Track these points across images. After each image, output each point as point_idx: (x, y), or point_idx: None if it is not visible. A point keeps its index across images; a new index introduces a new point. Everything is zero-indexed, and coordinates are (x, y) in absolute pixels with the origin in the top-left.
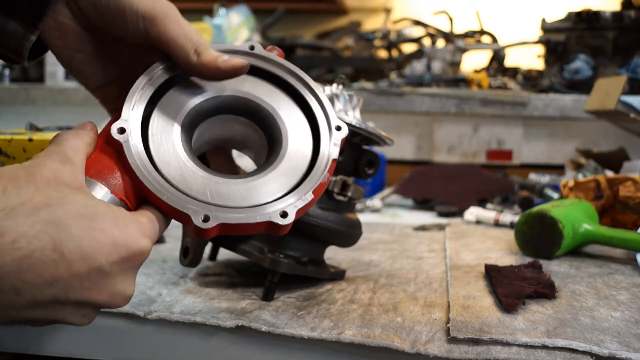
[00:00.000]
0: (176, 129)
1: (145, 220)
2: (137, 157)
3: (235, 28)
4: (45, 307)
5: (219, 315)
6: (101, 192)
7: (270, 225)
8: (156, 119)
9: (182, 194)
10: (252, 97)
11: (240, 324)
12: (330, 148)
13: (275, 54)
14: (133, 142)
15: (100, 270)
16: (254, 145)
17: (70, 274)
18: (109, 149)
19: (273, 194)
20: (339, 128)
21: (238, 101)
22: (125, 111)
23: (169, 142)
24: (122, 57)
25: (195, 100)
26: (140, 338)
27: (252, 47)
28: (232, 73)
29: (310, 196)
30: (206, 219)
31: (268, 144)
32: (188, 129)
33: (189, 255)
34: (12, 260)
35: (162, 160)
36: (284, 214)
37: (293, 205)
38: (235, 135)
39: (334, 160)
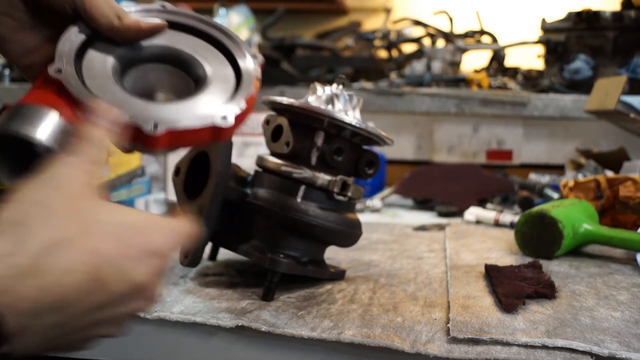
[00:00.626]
0: (107, 72)
1: (171, 225)
2: (80, 88)
3: (235, 28)
4: (86, 330)
5: (219, 315)
6: (52, 116)
7: (214, 130)
8: (86, 64)
9: None
10: (171, 46)
11: (240, 324)
12: (252, 66)
13: (184, 8)
14: (72, 79)
15: (138, 285)
16: (180, 90)
17: (110, 296)
18: (49, 88)
19: (207, 108)
20: (255, 56)
21: (160, 51)
22: (59, 56)
23: (103, 81)
24: (50, 24)
25: (120, 52)
26: (140, 338)
27: (163, 6)
28: (152, 33)
29: (244, 104)
30: (155, 125)
31: (195, 84)
32: (117, 75)
33: (189, 255)
34: (54, 298)
35: (99, 92)
36: (224, 117)
37: (230, 111)
38: (161, 82)
39: (256, 78)
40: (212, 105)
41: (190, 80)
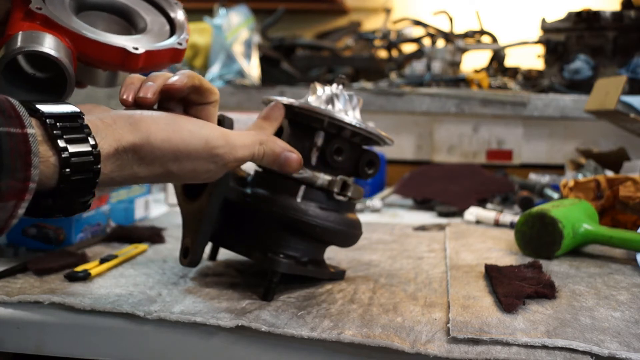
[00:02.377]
0: (69, 12)
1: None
2: (64, 20)
3: (235, 28)
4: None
5: (219, 315)
6: (53, 39)
7: (174, 52)
8: (51, 6)
9: None
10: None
11: (240, 324)
12: (180, 14)
13: None
14: (53, 14)
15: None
16: (125, 34)
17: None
18: (33, 21)
19: (160, 41)
20: (176, 3)
21: (105, 1)
22: None
23: (70, 18)
24: None
25: None
26: (140, 338)
27: None
28: None
29: (187, 35)
30: (136, 47)
31: (135, 31)
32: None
33: (189, 255)
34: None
35: (79, 27)
36: (180, 43)
37: (181, 39)
38: (109, 27)
39: (186, 18)
40: (163, 38)
41: (131, 28)
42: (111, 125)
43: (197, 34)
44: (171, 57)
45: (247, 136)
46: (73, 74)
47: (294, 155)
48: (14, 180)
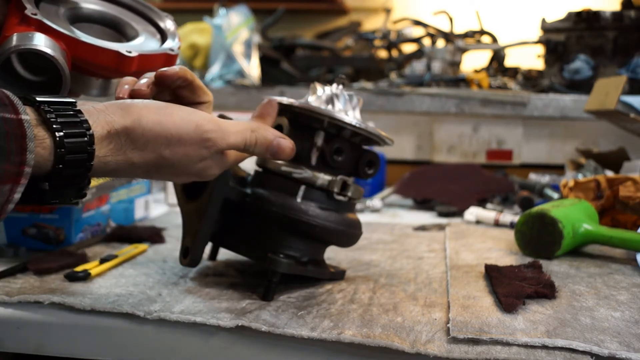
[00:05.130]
0: (64, 20)
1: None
2: (60, 25)
3: (235, 28)
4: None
5: (219, 315)
6: (48, 39)
7: (167, 56)
8: (43, 10)
9: None
10: (105, 10)
11: (240, 324)
12: (170, 24)
13: None
14: (49, 19)
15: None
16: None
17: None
18: (29, 26)
19: (153, 47)
20: (167, 16)
21: (96, 14)
22: (27, 2)
23: (65, 24)
24: None
25: (63, 10)
26: (140, 338)
27: None
28: None
29: (178, 42)
30: (129, 51)
31: (127, 40)
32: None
33: (189, 255)
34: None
35: (72, 33)
36: (171, 49)
37: (173, 45)
38: (101, 38)
39: (176, 29)
40: (156, 45)
41: (123, 38)
42: (103, 111)
43: (197, 34)
44: (164, 62)
45: (238, 123)
46: (68, 73)
47: (286, 142)
48: (10, 164)
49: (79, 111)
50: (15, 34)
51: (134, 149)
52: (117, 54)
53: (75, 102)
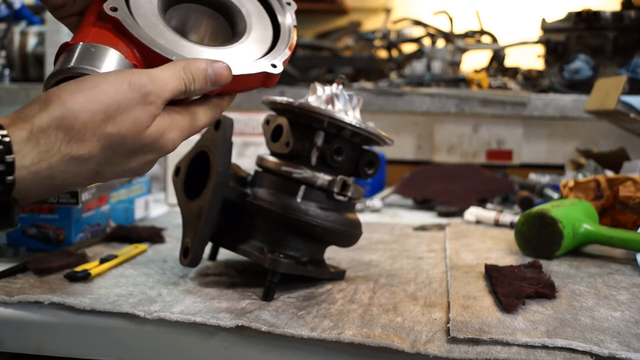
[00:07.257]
0: (154, 10)
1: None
2: (137, 29)
3: None
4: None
5: (219, 315)
6: (115, 56)
7: (265, 76)
8: (133, 3)
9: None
10: None
11: (240, 324)
12: (289, 18)
13: None
14: (128, 18)
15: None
16: (218, 34)
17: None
18: (104, 26)
19: (253, 56)
20: (289, 3)
21: None
22: None
23: (153, 19)
24: None
25: None
26: (140, 338)
27: None
28: None
29: (287, 52)
30: (274, 65)
31: (232, 31)
32: (162, 11)
33: (189, 255)
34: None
35: (152, 33)
36: (273, 65)
37: (277, 59)
38: (201, 24)
39: (294, 26)
40: (258, 53)
41: (228, 27)
42: (21, 112)
43: None
44: (262, 82)
45: (165, 66)
46: None
47: (220, 63)
48: None
49: None
50: (80, 45)
51: (70, 141)
52: (264, 74)
53: None
